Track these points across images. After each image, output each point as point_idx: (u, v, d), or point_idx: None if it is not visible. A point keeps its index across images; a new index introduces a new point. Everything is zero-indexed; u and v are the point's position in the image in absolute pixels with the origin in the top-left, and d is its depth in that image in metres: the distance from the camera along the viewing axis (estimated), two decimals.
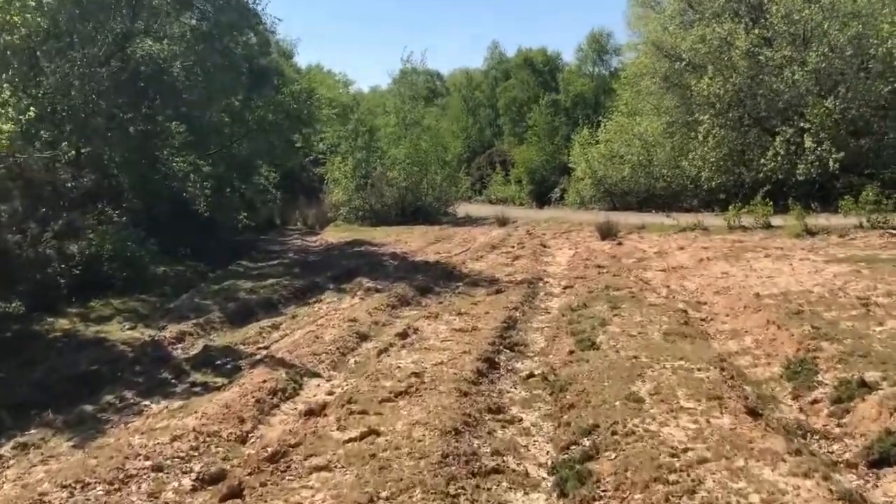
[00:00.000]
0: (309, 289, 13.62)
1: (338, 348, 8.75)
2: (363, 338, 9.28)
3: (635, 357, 7.23)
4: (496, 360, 7.94)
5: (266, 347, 9.56)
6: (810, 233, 16.47)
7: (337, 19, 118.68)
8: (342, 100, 40.17)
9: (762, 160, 20.49)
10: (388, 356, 8.16)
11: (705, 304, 10.43)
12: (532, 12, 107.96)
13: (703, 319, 9.49)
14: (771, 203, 17.99)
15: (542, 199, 34.27)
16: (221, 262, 18.15)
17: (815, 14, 19.60)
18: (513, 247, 18.77)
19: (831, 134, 19.36)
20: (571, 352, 7.88)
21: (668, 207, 25.11)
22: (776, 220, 18.27)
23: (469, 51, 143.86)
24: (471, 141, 46.56)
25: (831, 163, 18.93)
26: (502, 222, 25.29)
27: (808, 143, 19.36)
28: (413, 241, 21.35)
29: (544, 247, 18.46)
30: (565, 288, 12.58)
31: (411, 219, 28.59)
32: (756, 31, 20.99)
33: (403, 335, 8.99)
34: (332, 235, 25.04)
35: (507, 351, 8.42)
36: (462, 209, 32.07)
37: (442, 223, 27.97)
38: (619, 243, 17.88)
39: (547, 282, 13.46)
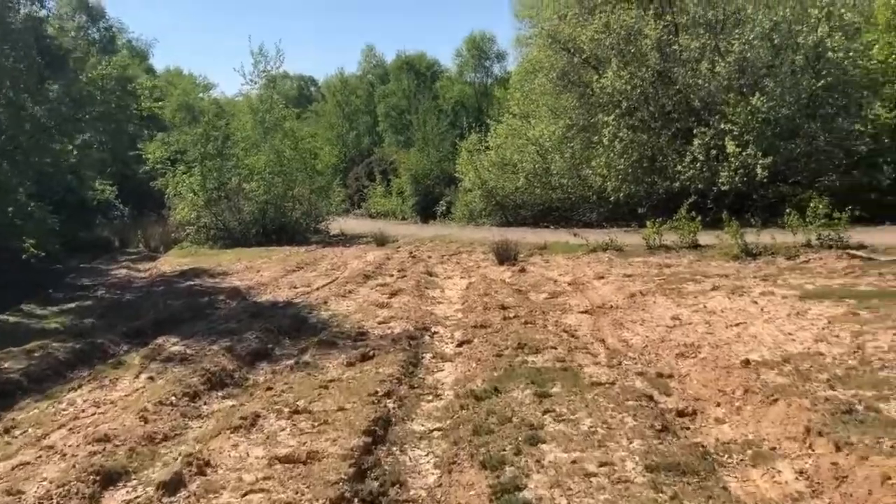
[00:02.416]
0: (86, 355, 9.22)
1: None
2: (109, 480, 5.14)
3: None
4: None
5: None
6: (750, 254, 13.64)
7: (221, 32, 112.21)
8: (198, 104, 35.36)
9: (678, 167, 17.71)
10: None
11: (671, 376, 6.97)
12: (412, 19, 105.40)
13: (682, 414, 5.97)
14: (699, 218, 15.09)
15: (427, 212, 30.66)
16: (3, 303, 13.51)
17: None
18: (392, 275, 15.00)
19: (758, 136, 16.79)
20: None
21: (566, 222, 22.15)
22: (703, 238, 15.43)
23: (350, 59, 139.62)
24: (347, 149, 42.49)
25: (759, 170, 16.31)
26: (381, 242, 21.51)
27: (730, 147, 16.70)
28: (268, 270, 17.15)
29: (430, 275, 14.76)
30: (461, 344, 8.88)
31: (274, 239, 24.29)
32: (668, 17, 18.24)
33: (175, 482, 4.93)
34: (171, 262, 20.37)
35: None
36: (337, 225, 28.08)
37: (310, 243, 23.87)
38: (522, 269, 14.45)
39: (436, 332, 9.74)
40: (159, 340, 9.42)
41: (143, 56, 43.69)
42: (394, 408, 6.46)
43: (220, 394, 7.35)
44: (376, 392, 6.66)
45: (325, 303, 12.15)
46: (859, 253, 12.40)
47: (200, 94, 44.63)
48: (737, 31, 17.21)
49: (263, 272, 16.85)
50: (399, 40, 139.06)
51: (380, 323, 10.17)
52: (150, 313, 11.79)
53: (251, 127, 25.24)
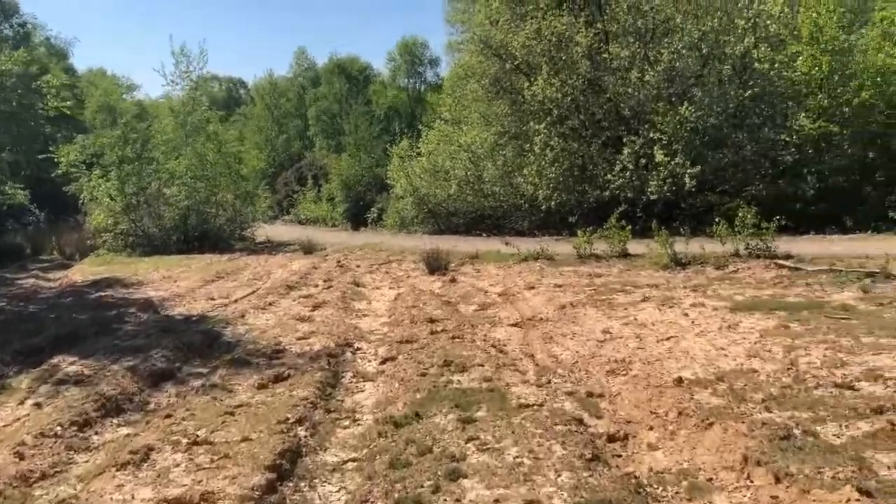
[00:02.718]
0: None
1: None
2: None
3: None
4: None
5: None
6: (679, 263, 13.57)
7: (147, 30, 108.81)
8: (120, 105, 33.89)
9: (608, 176, 17.65)
10: None
11: (602, 396, 6.63)
12: (345, 20, 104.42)
13: (613, 439, 5.62)
14: (629, 227, 14.98)
15: (358, 219, 29.99)
16: None
17: (667, 6, 17.08)
18: (317, 286, 14.40)
19: (686, 146, 16.85)
20: None
21: (499, 230, 21.90)
22: (632, 247, 15.34)
23: (282, 62, 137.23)
24: (276, 154, 41.40)
25: (687, 179, 16.36)
26: (308, 250, 20.81)
27: (659, 156, 16.72)
28: (185, 280, 16.27)
29: (357, 286, 14.20)
30: (385, 361, 8.41)
31: (197, 246, 23.27)
32: (599, 24, 18.20)
33: None
34: (84, 271, 19.18)
35: None
36: (263, 232, 27.13)
37: (234, 251, 22.94)
38: (452, 279, 14.05)
39: (359, 348, 9.23)
40: (55, 360, 8.60)
41: (63, 55, 41.58)
42: (305, 436, 5.93)
43: (115, 421, 6.66)
44: (287, 419, 6.12)
45: (243, 316, 11.47)
46: (787, 263, 12.44)
47: (123, 95, 42.91)
48: (666, 40, 17.29)
49: (180, 282, 15.98)
50: (332, 43, 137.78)
51: (299, 339, 9.59)
52: (51, 328, 10.85)
53: (172, 129, 24.10)
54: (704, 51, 17.11)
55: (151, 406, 7.11)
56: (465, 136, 23.14)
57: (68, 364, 8.38)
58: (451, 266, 15.65)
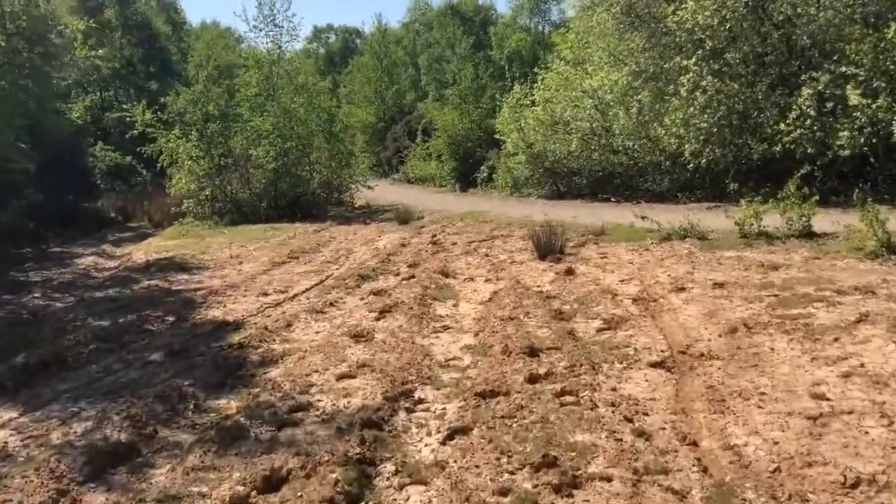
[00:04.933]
0: None
1: None
2: None
3: None
4: None
5: None
6: (894, 250, 9.51)
7: None
8: (223, 59, 32.20)
9: (781, 125, 13.42)
10: None
11: None
12: None
13: None
14: (816, 195, 10.97)
15: (466, 179, 26.75)
16: None
17: None
18: (398, 273, 11.54)
19: (892, 82, 12.39)
20: None
21: (631, 192, 18.09)
22: (815, 221, 11.29)
23: (402, 8, 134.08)
24: (386, 107, 38.64)
25: (895, 127, 11.94)
26: (403, 219, 17.97)
27: (854, 97, 12.35)
28: (253, 261, 13.83)
29: (446, 276, 11.09)
30: (451, 437, 5.30)
31: (287, 213, 21.00)
32: None
33: None
34: (155, 246, 17.23)
35: None
36: (363, 196, 24.53)
37: (327, 218, 20.45)
38: (569, 270, 10.62)
39: (420, 401, 6.11)
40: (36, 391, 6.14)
41: (172, 6, 40.39)
42: None
43: None
44: None
45: (290, 325, 8.74)
46: None
47: (234, 47, 41.34)
48: None
49: (245, 265, 13.52)
50: None
51: (340, 377, 6.66)
52: (38, 346, 8.48)
53: (256, 83, 21.68)
54: None
55: None
56: (591, 80, 19.21)
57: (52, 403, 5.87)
58: (569, 247, 12.23)
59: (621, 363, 6.53)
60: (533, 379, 6.19)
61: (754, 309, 7.69)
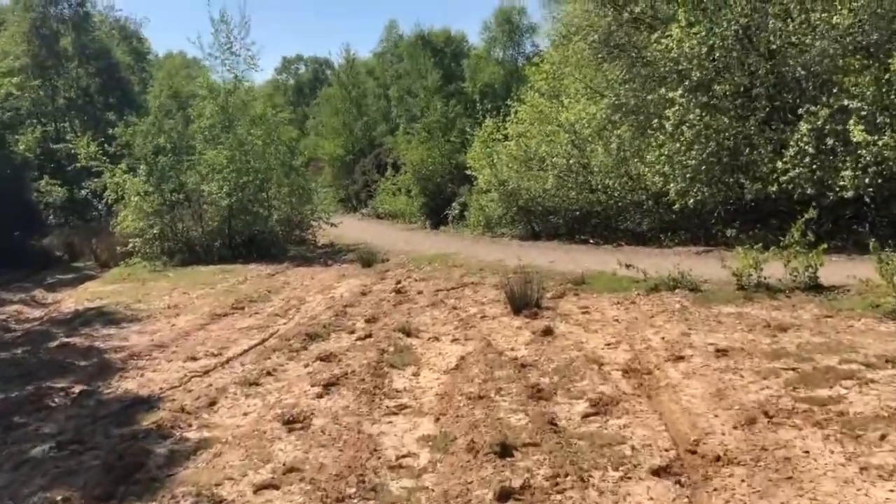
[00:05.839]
0: None
1: None
2: None
3: None
4: None
5: None
6: None
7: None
8: (184, 89, 30.82)
9: (778, 163, 12.29)
10: None
11: None
12: None
13: None
14: (824, 244, 9.78)
15: (438, 215, 25.39)
16: None
17: None
18: (353, 331, 10.11)
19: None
20: None
21: (610, 233, 16.89)
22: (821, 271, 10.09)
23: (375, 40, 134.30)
24: (355, 139, 37.36)
25: None
26: (367, 262, 16.50)
27: (857, 132, 11.26)
28: (191, 311, 12.32)
29: (408, 335, 9.66)
30: None
31: (243, 253, 19.48)
32: None
33: None
34: (91, 290, 15.60)
35: None
36: (334, 231, 23.11)
37: (286, 259, 18.98)
38: (547, 329, 9.24)
39: None
40: None
41: (130, 35, 38.87)
42: None
43: None
44: None
45: (213, 404, 7.25)
46: None
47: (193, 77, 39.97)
48: None
49: (182, 316, 11.98)
50: (427, 17, 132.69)
51: (259, 489, 5.20)
52: None
53: (210, 113, 20.24)
54: None
55: None
56: (567, 113, 18.07)
57: None
58: (546, 298, 10.89)
59: (616, 469, 5.14)
60: (504, 495, 4.78)
61: (772, 389, 6.38)
